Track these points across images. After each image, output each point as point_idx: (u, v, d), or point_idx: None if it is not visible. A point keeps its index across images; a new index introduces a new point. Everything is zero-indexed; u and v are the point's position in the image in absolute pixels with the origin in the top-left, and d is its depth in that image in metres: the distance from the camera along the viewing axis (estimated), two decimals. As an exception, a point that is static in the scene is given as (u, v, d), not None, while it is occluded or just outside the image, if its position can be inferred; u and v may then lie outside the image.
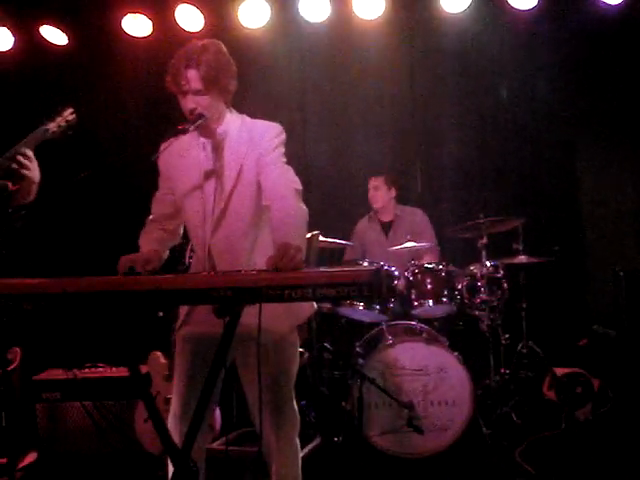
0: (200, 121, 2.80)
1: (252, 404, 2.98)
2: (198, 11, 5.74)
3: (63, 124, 3.03)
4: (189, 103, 2.83)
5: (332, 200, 6.00)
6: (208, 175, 2.91)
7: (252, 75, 5.65)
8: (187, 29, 5.78)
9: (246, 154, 2.88)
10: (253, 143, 2.90)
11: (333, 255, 5.36)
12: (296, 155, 3.33)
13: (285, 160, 2.92)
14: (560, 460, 4.27)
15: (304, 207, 2.84)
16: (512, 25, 5.84)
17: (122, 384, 4.57)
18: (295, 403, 3.03)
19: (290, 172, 2.90)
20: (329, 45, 5.96)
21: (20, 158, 2.90)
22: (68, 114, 3.06)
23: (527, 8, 5.66)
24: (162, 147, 2.95)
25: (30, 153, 2.94)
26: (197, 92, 2.81)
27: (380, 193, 5.53)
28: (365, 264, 4.75)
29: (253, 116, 3.05)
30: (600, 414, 4.83)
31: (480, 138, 6.17)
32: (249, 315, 2.54)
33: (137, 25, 5.84)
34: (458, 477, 4.16)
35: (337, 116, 5.98)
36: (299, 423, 3.05)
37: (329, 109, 6.01)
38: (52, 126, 2.98)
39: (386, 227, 5.58)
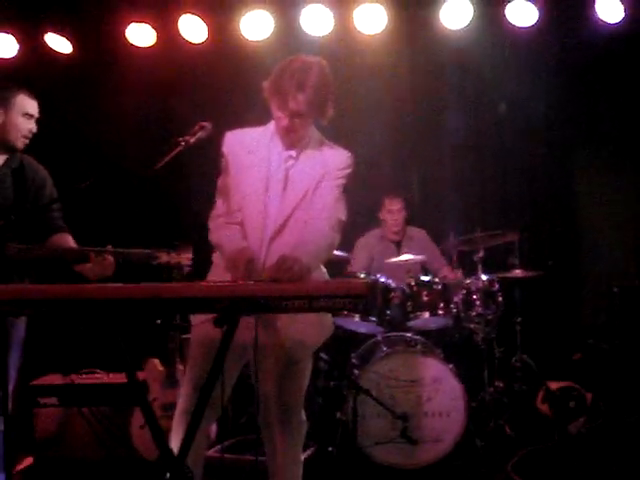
0: (200, 133, 2.85)
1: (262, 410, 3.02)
2: (202, 22, 5.79)
3: (174, 262, 3.07)
4: (284, 121, 2.87)
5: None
6: (276, 182, 2.95)
7: (253, 87, 5.66)
8: (190, 40, 5.84)
9: (316, 174, 2.96)
10: (325, 165, 2.98)
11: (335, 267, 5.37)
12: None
13: (341, 190, 3.02)
14: (552, 473, 4.30)
15: (337, 237, 2.96)
16: (512, 42, 5.89)
17: (119, 390, 4.60)
18: (303, 414, 3.08)
19: (341, 202, 3.01)
20: (331, 59, 5.93)
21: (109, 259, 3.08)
22: (185, 257, 3.10)
23: (527, 25, 5.72)
24: (227, 136, 3.00)
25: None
26: (299, 114, 2.86)
27: (402, 215, 5.59)
28: (362, 276, 4.78)
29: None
30: (592, 428, 4.87)
31: (479, 153, 6.21)
32: (276, 322, 2.69)
33: (141, 34, 5.88)
34: (451, 488, 4.20)
35: (337, 130, 6.01)
36: (305, 434, 3.10)
37: (329, 123, 6.04)
38: (163, 258, 3.04)
39: (397, 246, 5.62)
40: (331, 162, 3.00)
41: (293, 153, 2.99)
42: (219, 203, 3.03)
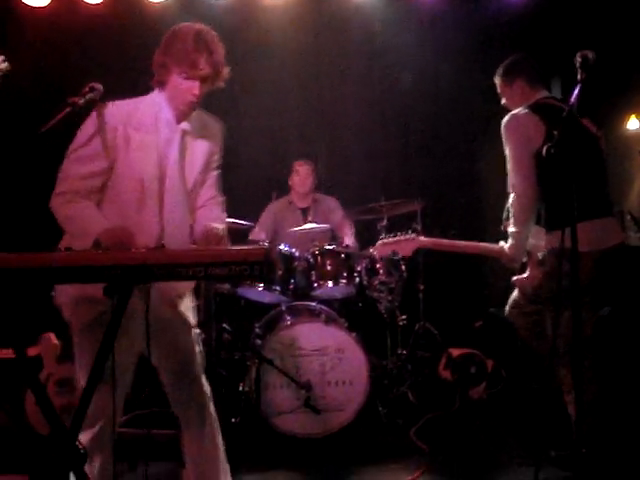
0: (91, 94, 2.70)
1: (167, 382, 2.96)
2: (98, -19, 5.59)
3: None
4: (197, 89, 2.78)
5: (234, 181, 5.97)
6: (172, 162, 2.83)
7: (151, 49, 5.51)
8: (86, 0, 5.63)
9: (208, 149, 2.94)
10: (210, 140, 2.95)
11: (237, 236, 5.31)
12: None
13: None
14: (453, 438, 4.37)
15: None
16: (417, 9, 5.91)
17: (12, 366, 4.42)
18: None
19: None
20: (232, 25, 5.88)
21: None
22: None
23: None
24: (111, 107, 2.78)
25: None
26: (203, 80, 2.78)
27: (310, 180, 5.59)
28: (266, 245, 4.72)
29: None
30: (493, 393, 4.98)
31: (384, 122, 6.23)
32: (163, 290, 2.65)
33: (35, -6, 5.65)
34: (354, 456, 4.20)
35: (239, 98, 5.92)
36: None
37: (230, 90, 5.92)
38: None
39: (304, 212, 5.60)
40: (216, 136, 2.99)
41: (187, 126, 2.87)
42: (68, 183, 2.73)
